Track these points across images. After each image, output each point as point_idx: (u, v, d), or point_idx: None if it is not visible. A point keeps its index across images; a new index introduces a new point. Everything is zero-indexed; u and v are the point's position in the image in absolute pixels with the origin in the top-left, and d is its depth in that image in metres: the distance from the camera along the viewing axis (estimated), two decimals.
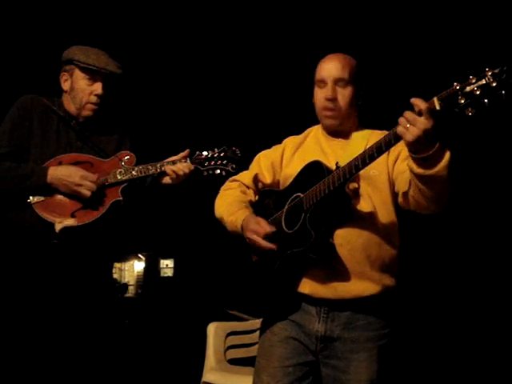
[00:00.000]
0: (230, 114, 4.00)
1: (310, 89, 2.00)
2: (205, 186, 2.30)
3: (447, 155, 1.54)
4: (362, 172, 1.74)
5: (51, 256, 2.12)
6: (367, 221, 1.79)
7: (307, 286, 1.79)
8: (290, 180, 1.91)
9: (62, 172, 2.14)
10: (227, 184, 2.07)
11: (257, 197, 2.03)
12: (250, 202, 2.00)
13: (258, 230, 1.79)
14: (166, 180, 2.26)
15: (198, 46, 3.93)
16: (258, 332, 3.28)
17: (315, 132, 2.04)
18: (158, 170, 2.24)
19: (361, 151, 1.83)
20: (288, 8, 3.66)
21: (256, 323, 3.30)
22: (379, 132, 1.98)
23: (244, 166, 2.27)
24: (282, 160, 2.01)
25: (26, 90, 2.32)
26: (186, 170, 2.22)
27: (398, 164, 1.82)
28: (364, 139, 1.92)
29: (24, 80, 3.30)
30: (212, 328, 3.14)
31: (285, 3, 3.64)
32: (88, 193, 2.11)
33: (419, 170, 1.55)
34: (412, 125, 1.47)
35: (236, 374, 2.96)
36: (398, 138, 1.53)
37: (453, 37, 3.46)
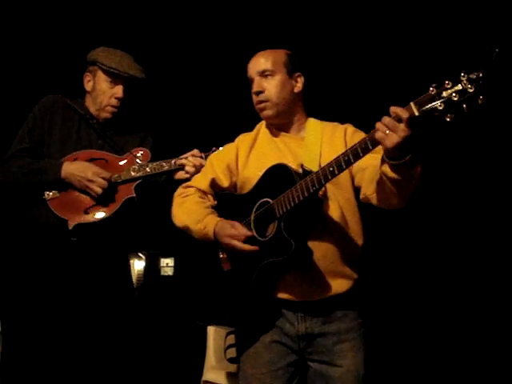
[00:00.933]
0: (245, 112, 4.01)
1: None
2: None
3: (420, 162, 1.56)
4: None
5: (70, 255, 2.12)
6: (336, 220, 1.81)
7: (284, 292, 1.80)
8: (251, 183, 1.89)
9: (75, 167, 2.16)
10: (182, 190, 2.02)
11: (215, 202, 2.00)
12: (211, 206, 1.97)
13: (237, 234, 1.77)
14: (180, 175, 2.27)
15: (213, 48, 3.97)
16: None
17: (264, 128, 2.02)
18: (172, 167, 2.25)
19: (318, 148, 1.82)
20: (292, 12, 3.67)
21: None
22: (331, 124, 1.98)
23: None
24: (238, 161, 1.97)
25: (52, 90, 2.34)
26: (197, 163, 2.21)
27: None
28: (318, 133, 1.91)
29: (51, 80, 3.34)
30: (212, 327, 3.13)
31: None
32: (99, 189, 2.12)
33: (393, 175, 1.56)
34: (392, 131, 1.46)
35: (236, 373, 2.95)
36: (375, 144, 1.53)
37: (423, 35, 3.47)
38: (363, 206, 1.94)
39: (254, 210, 1.84)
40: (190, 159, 2.24)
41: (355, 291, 1.87)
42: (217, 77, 4.00)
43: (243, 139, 2.05)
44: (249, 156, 1.98)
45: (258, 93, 1.93)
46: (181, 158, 2.28)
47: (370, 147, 1.56)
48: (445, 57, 3.11)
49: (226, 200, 1.98)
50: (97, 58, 2.30)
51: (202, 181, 2.02)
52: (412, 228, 3.83)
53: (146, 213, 2.40)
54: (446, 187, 3.72)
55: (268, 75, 1.93)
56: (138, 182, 2.25)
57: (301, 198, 1.69)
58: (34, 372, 2.11)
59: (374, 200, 1.76)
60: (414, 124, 1.47)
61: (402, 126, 1.46)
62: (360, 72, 3.76)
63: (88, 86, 2.36)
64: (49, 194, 2.16)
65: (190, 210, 1.93)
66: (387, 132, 1.48)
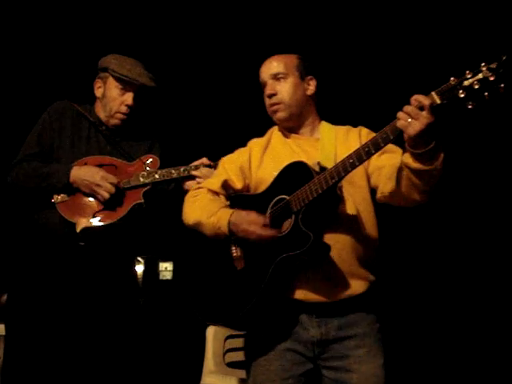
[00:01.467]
0: (254, 121, 4.05)
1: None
2: None
3: (442, 151, 1.55)
4: None
5: (78, 259, 2.14)
6: (351, 220, 1.79)
7: (299, 292, 1.76)
8: (265, 183, 1.86)
9: (84, 172, 2.17)
10: (193, 192, 2.01)
11: (228, 202, 1.96)
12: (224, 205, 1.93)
13: (256, 220, 1.75)
14: (190, 185, 2.27)
15: (222, 55, 3.98)
16: None
17: (277, 132, 2.01)
18: (181, 175, 2.26)
19: (333, 148, 1.82)
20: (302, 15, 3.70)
21: None
22: (344, 127, 1.98)
23: None
24: (251, 163, 1.96)
25: (61, 95, 2.37)
26: (209, 175, 2.23)
27: (375, 159, 1.79)
28: (332, 135, 1.89)
29: (59, 86, 3.37)
30: (211, 331, 3.13)
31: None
32: (106, 194, 2.14)
33: (416, 165, 1.55)
34: (415, 119, 1.47)
35: (235, 377, 2.96)
36: (395, 133, 1.53)
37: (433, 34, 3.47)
38: (378, 207, 1.91)
39: (270, 207, 1.81)
40: (202, 171, 2.25)
41: (371, 294, 1.82)
42: (224, 85, 4.02)
43: (256, 142, 2.05)
44: (262, 157, 1.97)
45: (271, 95, 1.94)
46: (190, 166, 2.29)
47: (391, 137, 1.55)
48: (455, 56, 3.09)
49: (240, 201, 1.94)
50: (108, 65, 2.31)
51: (213, 182, 1.99)
52: (428, 228, 3.74)
53: (151, 219, 2.41)
54: (463, 183, 3.61)
55: (281, 78, 1.93)
56: (146, 188, 2.26)
57: (319, 191, 1.67)
58: (37, 376, 2.12)
59: (392, 197, 1.74)
60: (436, 112, 1.48)
61: (424, 113, 1.47)
62: (370, 76, 3.75)
63: (98, 92, 2.38)
64: (57, 198, 2.18)
65: (203, 205, 1.89)
66: (409, 120, 1.48)
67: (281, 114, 1.93)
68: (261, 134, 2.10)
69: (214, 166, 2.27)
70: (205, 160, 2.31)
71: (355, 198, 1.82)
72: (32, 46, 3.65)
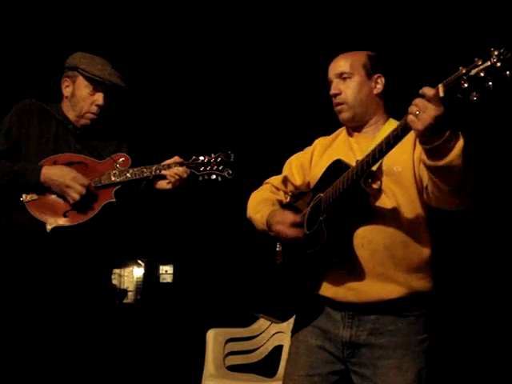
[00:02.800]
0: (228, 120, 4.01)
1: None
2: (204, 191, 2.29)
3: (460, 143, 1.46)
4: (385, 168, 1.72)
5: (50, 259, 2.12)
6: (390, 219, 1.72)
7: (329, 289, 1.74)
8: (316, 181, 1.89)
9: (55, 172, 2.15)
10: (261, 186, 2.09)
11: (288, 198, 2.02)
12: (280, 202, 2.00)
13: (284, 219, 1.79)
14: (161, 185, 2.26)
15: (199, 51, 3.92)
16: (257, 338, 3.31)
17: (345, 131, 2.02)
18: (153, 174, 2.24)
19: None
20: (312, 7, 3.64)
21: (255, 330, 3.30)
22: None
23: (243, 171, 2.27)
24: (312, 160, 1.99)
25: (25, 94, 2.34)
26: (182, 175, 2.22)
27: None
28: None
29: (23, 85, 3.34)
30: (211, 334, 3.13)
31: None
32: (76, 196, 2.11)
33: (431, 162, 1.49)
34: (423, 112, 1.41)
35: (235, 381, 2.95)
36: (405, 130, 1.48)
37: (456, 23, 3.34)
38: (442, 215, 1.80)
39: (311, 204, 1.85)
40: (172, 170, 2.25)
41: (414, 302, 1.72)
42: (200, 84, 3.97)
43: (320, 140, 2.06)
44: (322, 155, 1.97)
45: (335, 95, 1.92)
46: (162, 165, 2.29)
47: (399, 134, 1.50)
48: None
49: (299, 198, 2.01)
50: (79, 64, 2.29)
51: (276, 178, 2.06)
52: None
53: (131, 220, 2.41)
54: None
55: (346, 78, 1.90)
56: (118, 187, 2.26)
57: (341, 191, 1.66)
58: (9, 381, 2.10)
59: (430, 196, 1.67)
60: (447, 104, 1.39)
61: (431, 105, 1.39)
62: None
63: (66, 91, 2.35)
64: (27, 197, 2.17)
65: (256, 202, 1.98)
66: (417, 113, 1.43)
67: (344, 115, 1.91)
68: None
69: (185, 165, 2.26)
70: (177, 158, 2.30)
71: (398, 198, 1.75)
72: None
